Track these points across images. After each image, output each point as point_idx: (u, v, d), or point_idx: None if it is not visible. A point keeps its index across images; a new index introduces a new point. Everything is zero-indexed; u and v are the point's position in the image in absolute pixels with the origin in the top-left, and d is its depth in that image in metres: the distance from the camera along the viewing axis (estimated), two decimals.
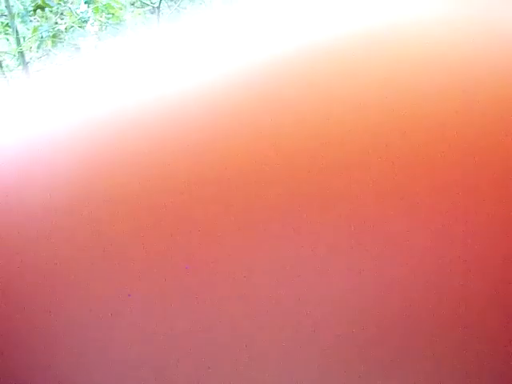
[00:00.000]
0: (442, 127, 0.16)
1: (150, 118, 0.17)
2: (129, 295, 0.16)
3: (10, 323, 0.17)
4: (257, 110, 0.17)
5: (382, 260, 0.16)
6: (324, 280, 0.16)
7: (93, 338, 0.16)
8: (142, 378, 0.17)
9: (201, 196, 0.16)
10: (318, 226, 0.16)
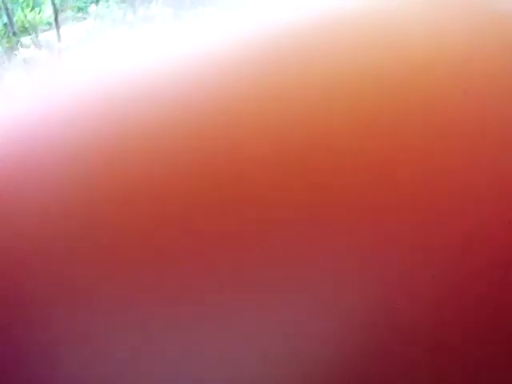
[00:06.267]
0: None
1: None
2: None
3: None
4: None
5: (381, 258, 0.16)
6: (322, 277, 0.16)
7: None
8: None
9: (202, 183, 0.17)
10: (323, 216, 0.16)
